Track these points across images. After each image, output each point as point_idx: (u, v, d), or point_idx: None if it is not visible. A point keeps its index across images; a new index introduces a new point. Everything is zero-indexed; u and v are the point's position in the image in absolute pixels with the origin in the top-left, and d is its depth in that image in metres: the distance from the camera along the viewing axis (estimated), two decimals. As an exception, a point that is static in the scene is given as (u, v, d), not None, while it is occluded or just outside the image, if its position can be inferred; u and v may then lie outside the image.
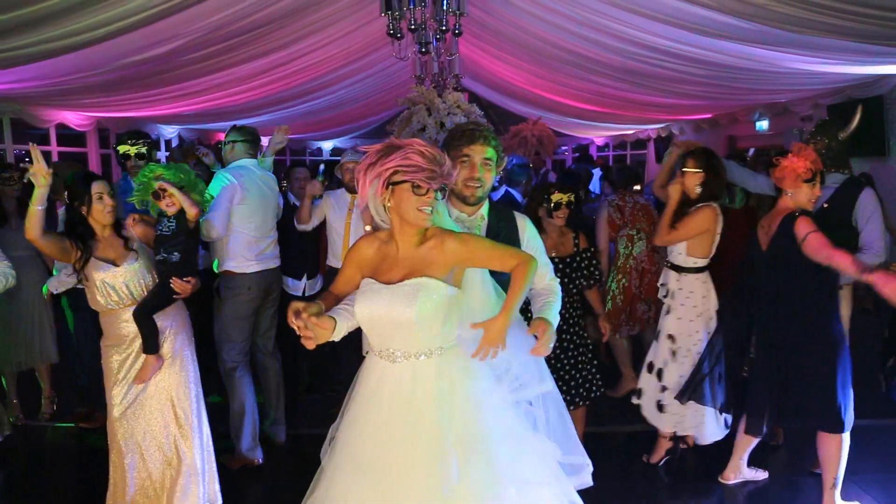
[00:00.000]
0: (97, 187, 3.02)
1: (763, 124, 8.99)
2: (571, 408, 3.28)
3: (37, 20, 3.99)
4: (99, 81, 5.87)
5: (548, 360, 3.06)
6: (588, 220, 5.41)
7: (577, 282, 3.58)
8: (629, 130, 12.89)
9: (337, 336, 2.03)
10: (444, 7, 4.52)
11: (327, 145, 15.37)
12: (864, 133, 6.78)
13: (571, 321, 3.52)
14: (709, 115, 9.79)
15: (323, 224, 4.42)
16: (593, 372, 3.54)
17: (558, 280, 2.44)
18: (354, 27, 6.60)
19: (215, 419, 3.41)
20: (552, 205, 3.52)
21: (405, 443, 1.97)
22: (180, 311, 3.25)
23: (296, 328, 1.94)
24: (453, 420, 1.97)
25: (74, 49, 4.60)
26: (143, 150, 3.89)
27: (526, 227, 2.46)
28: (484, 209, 2.43)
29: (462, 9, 4.62)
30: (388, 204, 2.01)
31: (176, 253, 3.15)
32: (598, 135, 14.07)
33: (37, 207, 2.85)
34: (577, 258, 3.58)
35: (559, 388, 3.11)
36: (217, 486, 3.29)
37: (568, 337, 3.48)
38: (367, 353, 2.19)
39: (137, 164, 3.82)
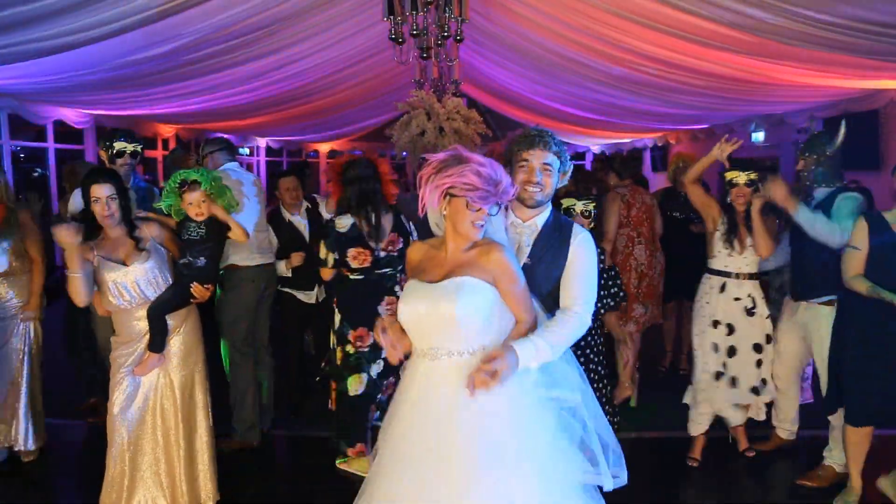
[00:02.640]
0: (95, 191, 3.00)
1: (759, 136, 9.05)
2: None
3: (38, 17, 3.99)
4: (98, 79, 5.87)
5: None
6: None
7: (604, 301, 3.29)
8: (626, 139, 12.95)
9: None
10: (447, 13, 4.54)
11: (324, 147, 15.37)
12: (859, 146, 6.86)
13: (594, 349, 3.21)
14: (705, 126, 9.85)
15: None
16: (608, 411, 3.10)
17: (590, 321, 2.26)
18: (354, 31, 6.61)
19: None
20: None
21: (448, 443, 1.99)
22: (192, 310, 3.29)
23: (384, 345, 2.16)
24: (492, 425, 1.99)
25: (75, 47, 4.60)
26: (139, 148, 3.93)
27: (578, 251, 2.28)
28: (541, 218, 2.36)
29: (464, 15, 4.65)
30: (445, 212, 2.10)
31: (203, 258, 3.19)
32: (594, 143, 14.13)
33: (74, 274, 2.92)
34: (602, 276, 3.22)
35: None
36: (215, 483, 3.31)
37: (585, 364, 3.07)
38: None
39: (129, 162, 3.87)
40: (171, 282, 3.16)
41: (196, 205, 3.17)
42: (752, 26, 4.29)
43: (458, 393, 2.00)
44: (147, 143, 7.04)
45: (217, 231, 3.24)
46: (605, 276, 3.31)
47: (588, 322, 2.21)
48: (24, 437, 3.88)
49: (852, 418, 3.30)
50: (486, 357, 1.99)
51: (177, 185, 3.19)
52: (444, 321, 2.02)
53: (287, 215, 4.53)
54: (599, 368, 3.22)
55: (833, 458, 3.62)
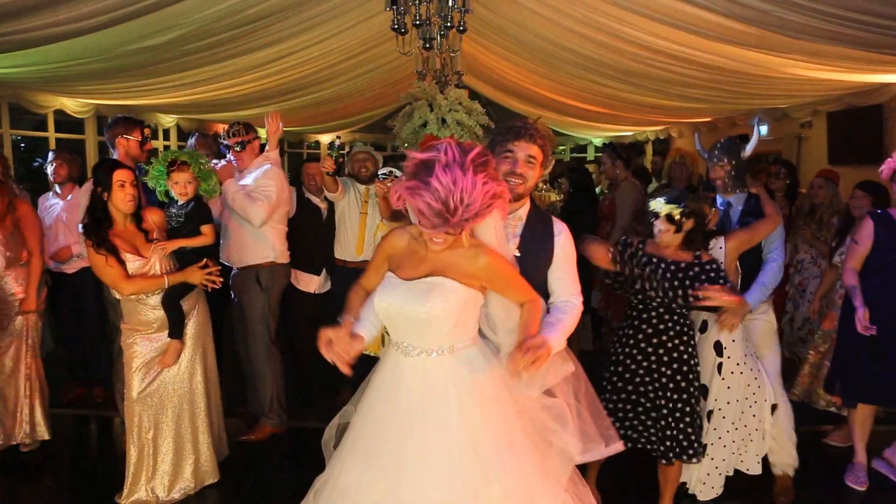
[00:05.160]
0: (120, 175, 3.09)
1: (762, 129, 9.02)
2: (663, 461, 3.04)
3: (38, 5, 3.97)
4: (98, 68, 5.84)
5: (639, 400, 3.04)
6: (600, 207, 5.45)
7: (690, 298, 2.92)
8: (628, 132, 12.91)
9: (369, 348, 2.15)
10: (449, 3, 4.51)
11: (325, 139, 15.32)
12: (863, 141, 6.83)
13: (681, 350, 3.03)
14: (708, 119, 9.81)
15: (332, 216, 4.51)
16: (698, 424, 3.05)
17: (581, 302, 2.33)
18: (357, 21, 6.58)
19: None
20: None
21: (416, 438, 1.98)
22: (200, 297, 3.40)
23: (330, 359, 2.01)
24: (461, 422, 1.98)
25: (74, 35, 4.57)
26: (148, 137, 4.07)
27: (563, 235, 2.36)
28: (524, 209, 2.37)
29: (466, 5, 4.62)
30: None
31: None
32: (596, 135, 14.09)
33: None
34: (697, 268, 2.99)
35: (643, 433, 3.06)
36: (216, 464, 3.48)
37: (671, 370, 3.01)
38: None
39: (143, 150, 3.97)
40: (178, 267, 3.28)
41: (182, 185, 3.27)
42: (755, 19, 4.26)
43: (426, 390, 2.01)
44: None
45: (197, 213, 3.31)
46: (697, 268, 3.00)
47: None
48: (28, 429, 3.90)
49: (847, 397, 3.59)
50: (525, 344, 1.91)
51: (167, 164, 3.25)
52: (415, 321, 2.01)
53: (309, 195, 4.60)
54: (690, 362, 3.07)
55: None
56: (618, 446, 2.29)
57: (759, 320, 3.44)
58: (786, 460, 3.47)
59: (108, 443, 4.32)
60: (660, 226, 3.01)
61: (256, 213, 3.80)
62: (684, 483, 3.42)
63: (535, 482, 2.01)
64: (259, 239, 3.98)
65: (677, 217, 2.97)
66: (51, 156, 4.68)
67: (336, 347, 1.99)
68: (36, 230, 3.90)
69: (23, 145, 9.43)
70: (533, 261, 2.29)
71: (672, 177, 5.39)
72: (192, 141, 4.97)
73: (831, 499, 3.57)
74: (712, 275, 2.97)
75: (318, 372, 4.98)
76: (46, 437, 3.95)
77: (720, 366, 3.24)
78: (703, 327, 3.27)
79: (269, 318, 4.10)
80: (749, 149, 3.49)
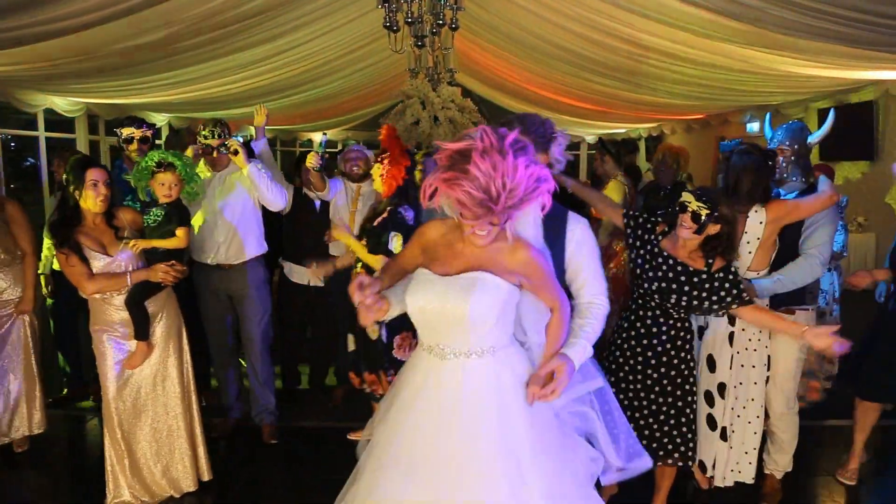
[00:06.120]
0: (92, 174, 3.05)
1: (754, 126, 9.04)
2: (659, 463, 2.95)
3: (28, 3, 3.93)
4: (90, 67, 5.79)
5: (631, 392, 2.95)
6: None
7: (700, 302, 2.79)
8: (620, 129, 12.93)
9: (387, 317, 2.02)
10: (441, 1, 4.50)
11: (318, 137, 15.29)
12: (855, 137, 6.87)
13: (671, 356, 2.93)
14: (700, 116, 9.84)
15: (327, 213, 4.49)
16: (694, 430, 2.96)
17: (607, 302, 2.17)
18: (349, 19, 6.56)
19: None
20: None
21: (458, 446, 1.88)
22: (170, 297, 3.34)
23: (356, 301, 1.90)
24: (502, 428, 1.89)
25: (66, 33, 4.53)
26: (148, 134, 3.96)
27: (577, 231, 2.19)
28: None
29: (458, 3, 4.61)
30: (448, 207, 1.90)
31: None
32: (589, 132, 14.10)
33: None
34: (704, 276, 2.80)
35: (646, 435, 2.95)
36: (206, 461, 3.46)
37: (658, 374, 2.93)
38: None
39: (140, 149, 3.90)
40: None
41: (168, 186, 3.24)
42: (748, 16, 4.27)
43: (464, 393, 1.90)
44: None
45: (176, 214, 3.28)
46: (707, 275, 2.80)
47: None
48: (27, 424, 3.91)
49: (862, 392, 3.52)
50: (546, 365, 1.89)
51: (153, 164, 3.23)
52: (455, 320, 1.88)
53: (305, 190, 4.56)
54: (688, 363, 2.95)
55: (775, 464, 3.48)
56: (645, 462, 2.20)
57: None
58: (782, 461, 3.42)
59: (103, 442, 4.29)
60: (683, 221, 2.76)
61: (284, 195, 3.88)
62: (687, 480, 3.42)
63: (570, 485, 1.96)
64: (259, 231, 4.01)
65: (703, 217, 2.71)
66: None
67: (367, 291, 1.89)
68: (27, 230, 3.88)
69: (13, 144, 9.37)
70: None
71: (657, 175, 5.38)
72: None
73: (824, 494, 3.58)
74: (725, 286, 2.75)
75: (311, 362, 4.99)
76: (42, 429, 3.97)
77: (731, 336, 3.11)
78: (701, 333, 3.14)
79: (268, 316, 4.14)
80: (818, 137, 3.37)
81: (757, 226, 3.03)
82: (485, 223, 1.80)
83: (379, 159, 3.57)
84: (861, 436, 3.62)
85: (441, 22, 4.69)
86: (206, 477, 3.45)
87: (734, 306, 2.76)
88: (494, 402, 1.89)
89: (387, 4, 4.46)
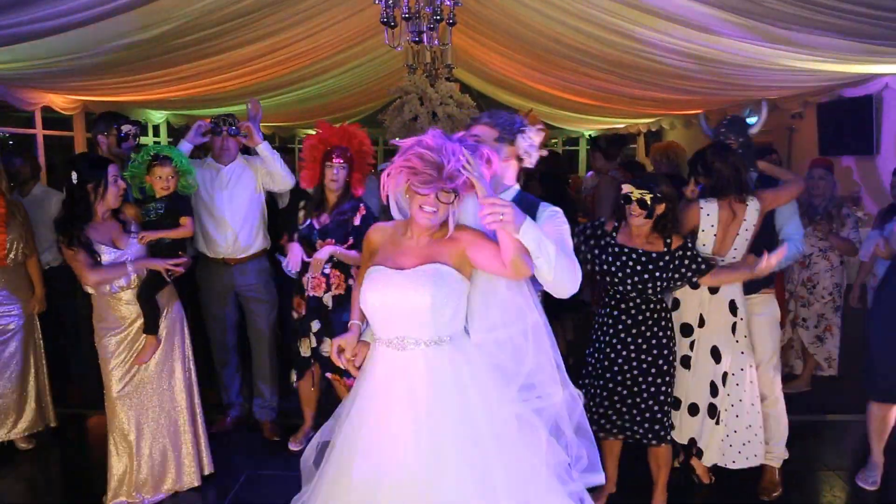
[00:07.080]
0: (112, 170, 3.09)
1: (753, 119, 9.03)
2: (654, 442, 3.09)
3: (23, 0, 3.91)
4: (87, 64, 5.78)
5: (622, 385, 3.04)
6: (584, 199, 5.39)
7: (671, 282, 3.03)
8: (620, 124, 12.91)
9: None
10: (439, -4, 4.49)
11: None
12: (854, 132, 6.86)
13: (659, 336, 3.06)
14: (699, 111, 9.82)
15: None
16: (666, 411, 3.11)
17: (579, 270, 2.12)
18: (346, 15, 6.54)
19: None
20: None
21: (418, 427, 1.94)
22: (173, 292, 3.39)
23: (341, 364, 2.15)
24: (464, 410, 1.96)
25: (63, 30, 4.52)
26: (138, 132, 4.08)
27: (546, 211, 2.19)
28: (507, 195, 2.21)
29: (456, -2, 4.59)
30: (406, 196, 2.03)
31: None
32: (588, 128, 14.09)
33: None
34: (667, 256, 3.01)
35: (630, 419, 3.07)
36: (209, 457, 3.52)
37: (652, 356, 3.04)
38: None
39: (133, 145, 3.96)
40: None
41: (164, 179, 3.28)
42: (746, 10, 4.26)
43: (426, 378, 1.98)
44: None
45: (174, 209, 3.32)
46: (668, 256, 3.00)
47: (579, 282, 2.06)
48: (32, 422, 3.95)
49: (874, 393, 3.48)
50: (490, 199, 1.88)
51: (149, 158, 3.27)
52: (416, 310, 1.96)
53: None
54: (667, 347, 3.07)
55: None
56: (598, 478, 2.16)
57: (764, 315, 3.40)
58: (777, 449, 3.46)
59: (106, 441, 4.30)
60: (632, 211, 2.97)
61: (292, 175, 3.94)
62: (682, 468, 3.43)
63: (533, 470, 1.98)
64: (264, 225, 4.06)
65: (649, 202, 2.92)
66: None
67: (346, 355, 2.13)
68: (31, 230, 3.91)
69: (11, 142, 9.35)
70: None
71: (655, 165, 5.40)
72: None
73: (825, 489, 3.59)
74: (685, 261, 3.00)
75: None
76: (53, 423, 4.07)
77: (734, 326, 3.22)
78: (675, 305, 3.23)
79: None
80: (757, 126, 3.49)
81: (754, 214, 3.19)
82: (434, 191, 1.91)
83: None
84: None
85: (439, 17, 4.67)
86: (206, 471, 3.49)
87: (696, 277, 3.04)
88: (456, 386, 1.98)
89: (384, 0, 4.45)
